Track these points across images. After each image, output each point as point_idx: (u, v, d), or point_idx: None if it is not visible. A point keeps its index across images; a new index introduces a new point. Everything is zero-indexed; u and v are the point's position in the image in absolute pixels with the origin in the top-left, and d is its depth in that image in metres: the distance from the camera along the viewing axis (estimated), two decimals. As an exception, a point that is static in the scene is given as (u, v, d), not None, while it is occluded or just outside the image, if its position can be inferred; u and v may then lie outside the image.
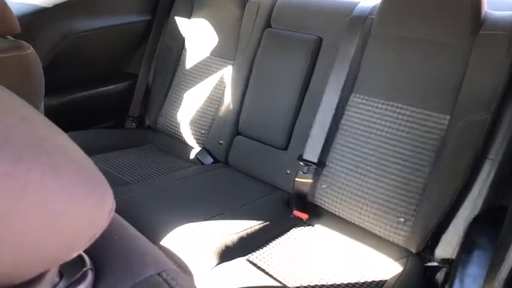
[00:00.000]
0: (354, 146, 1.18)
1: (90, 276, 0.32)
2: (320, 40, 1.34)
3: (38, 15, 1.40)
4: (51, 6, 1.42)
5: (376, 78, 1.18)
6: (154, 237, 1.03)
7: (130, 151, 1.59)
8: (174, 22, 1.70)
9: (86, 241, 0.27)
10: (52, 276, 0.28)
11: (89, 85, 1.66)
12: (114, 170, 1.40)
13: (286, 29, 1.42)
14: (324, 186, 1.21)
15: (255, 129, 1.42)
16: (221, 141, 1.47)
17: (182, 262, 0.98)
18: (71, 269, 0.32)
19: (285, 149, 1.34)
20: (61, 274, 0.31)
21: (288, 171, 1.30)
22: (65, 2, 1.46)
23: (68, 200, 0.24)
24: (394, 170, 1.09)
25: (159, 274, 0.35)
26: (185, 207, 1.16)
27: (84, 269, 0.33)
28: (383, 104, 1.15)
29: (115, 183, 1.30)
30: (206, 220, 1.08)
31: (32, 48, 0.88)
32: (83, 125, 1.64)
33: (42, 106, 1.00)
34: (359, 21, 1.23)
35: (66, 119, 1.61)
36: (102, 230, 0.28)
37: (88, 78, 1.67)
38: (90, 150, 1.48)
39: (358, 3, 1.30)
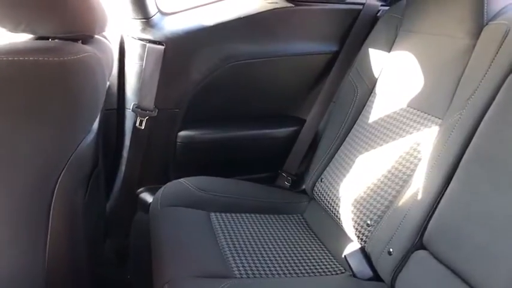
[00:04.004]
0: None
1: None
2: None
3: (195, 34, 1.17)
4: (211, 24, 1.17)
5: None
6: None
7: (271, 219, 1.16)
8: (367, 55, 1.20)
9: None
10: None
11: (243, 124, 1.34)
12: (231, 245, 0.99)
13: None
14: None
15: (453, 249, 0.74)
16: (391, 249, 0.86)
17: None
18: None
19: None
20: None
21: None
22: (229, 21, 1.18)
23: None
24: None
25: None
26: None
27: None
28: None
29: (213, 270, 0.88)
30: None
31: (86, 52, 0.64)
32: (228, 170, 1.32)
33: (96, 125, 0.75)
34: None
35: (211, 157, 1.33)
36: None
37: (244, 116, 1.35)
38: (224, 205, 1.14)
39: None
